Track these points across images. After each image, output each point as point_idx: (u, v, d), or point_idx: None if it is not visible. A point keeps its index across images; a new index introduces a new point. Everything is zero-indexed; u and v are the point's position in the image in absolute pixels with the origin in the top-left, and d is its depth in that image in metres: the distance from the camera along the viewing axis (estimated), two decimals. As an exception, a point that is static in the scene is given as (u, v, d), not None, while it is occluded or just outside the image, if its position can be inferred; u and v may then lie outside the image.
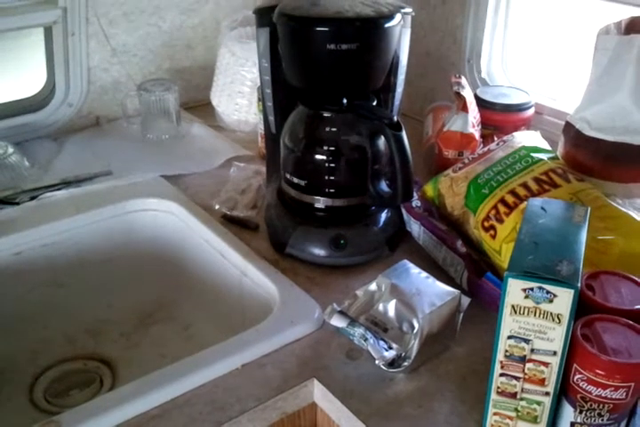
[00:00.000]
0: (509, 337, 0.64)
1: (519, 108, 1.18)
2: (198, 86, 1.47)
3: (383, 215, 1.00)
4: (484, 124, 1.17)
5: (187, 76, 1.44)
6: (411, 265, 0.86)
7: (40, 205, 1.11)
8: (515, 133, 1.02)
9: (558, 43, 1.28)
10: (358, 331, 0.78)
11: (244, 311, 0.99)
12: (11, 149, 1.20)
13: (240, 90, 1.34)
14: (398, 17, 0.91)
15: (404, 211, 1.01)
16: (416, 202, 1.02)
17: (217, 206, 1.11)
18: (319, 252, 0.97)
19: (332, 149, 0.95)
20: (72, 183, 1.17)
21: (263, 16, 0.97)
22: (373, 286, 0.84)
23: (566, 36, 1.26)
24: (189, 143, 1.34)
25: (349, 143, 0.96)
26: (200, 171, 1.23)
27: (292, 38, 0.91)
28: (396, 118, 0.91)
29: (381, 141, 0.94)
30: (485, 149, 1.00)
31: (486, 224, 0.90)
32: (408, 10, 0.95)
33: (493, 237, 0.88)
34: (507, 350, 0.65)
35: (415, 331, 0.78)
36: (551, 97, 1.26)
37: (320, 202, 0.98)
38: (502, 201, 0.89)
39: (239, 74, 1.33)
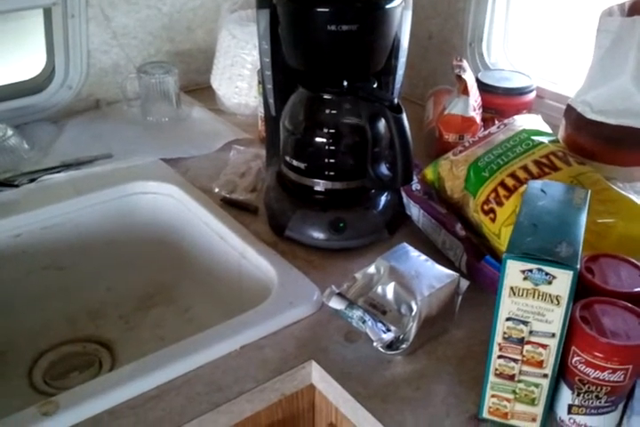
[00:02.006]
0: (508, 319, 0.64)
1: (520, 91, 1.17)
2: (198, 69, 1.46)
3: (383, 199, 1.00)
4: (485, 107, 1.16)
5: (186, 59, 1.44)
6: (410, 248, 0.86)
7: (39, 188, 1.11)
8: (515, 117, 1.02)
9: (560, 26, 1.28)
10: (357, 313, 0.78)
11: (243, 294, 0.99)
12: (10, 132, 1.20)
13: (240, 73, 1.33)
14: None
15: (403, 194, 1.00)
16: (416, 185, 1.01)
17: (216, 189, 1.10)
18: (318, 235, 0.96)
19: (332, 131, 0.94)
20: (72, 166, 1.17)
21: (262, -1, 0.96)
22: (372, 269, 0.84)
23: (568, 19, 1.25)
24: (189, 126, 1.34)
25: (349, 126, 0.95)
26: (200, 154, 1.23)
27: (293, 19, 0.91)
28: (396, 101, 0.90)
29: (382, 124, 0.94)
30: (486, 132, 1.00)
31: (486, 207, 0.89)
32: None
33: (493, 220, 0.88)
34: (505, 332, 0.65)
35: (413, 313, 0.78)
36: (552, 80, 1.25)
37: (319, 185, 0.97)
38: (502, 184, 0.88)
39: (239, 57, 1.32)
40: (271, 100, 1.04)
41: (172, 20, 1.37)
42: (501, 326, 0.65)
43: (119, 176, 1.14)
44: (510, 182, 0.88)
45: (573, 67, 1.25)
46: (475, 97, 1.10)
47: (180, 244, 1.12)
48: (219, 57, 1.36)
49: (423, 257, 0.85)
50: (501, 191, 0.88)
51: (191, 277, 1.12)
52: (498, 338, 0.66)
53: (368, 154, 0.95)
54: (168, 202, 1.12)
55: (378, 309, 0.80)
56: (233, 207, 1.07)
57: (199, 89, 1.47)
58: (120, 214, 1.12)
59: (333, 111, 0.94)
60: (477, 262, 0.87)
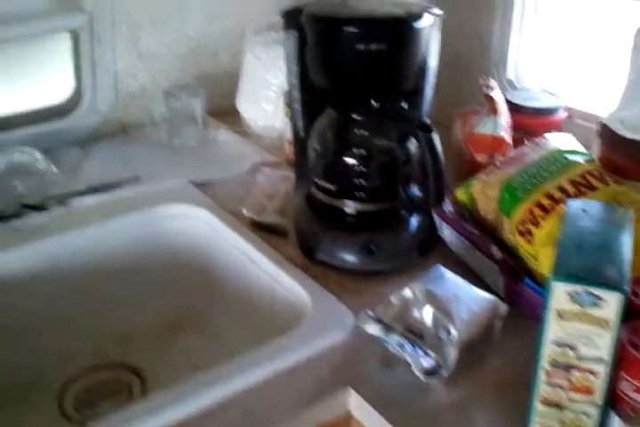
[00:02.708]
0: (554, 343, 0.62)
1: (550, 111, 1.16)
2: (223, 93, 1.46)
3: (414, 220, 0.98)
4: (514, 127, 1.15)
5: (212, 82, 1.43)
6: (445, 270, 0.85)
7: (68, 212, 1.11)
8: (547, 136, 1.00)
9: (587, 45, 1.26)
10: (394, 338, 0.76)
11: (275, 318, 0.98)
12: (38, 156, 1.19)
13: (266, 95, 1.33)
14: (428, 17, 0.89)
15: (435, 216, 0.99)
16: (448, 207, 1.00)
17: (245, 212, 1.09)
18: (350, 258, 0.95)
19: (362, 152, 0.93)
20: (100, 189, 1.17)
21: (290, 19, 0.96)
22: (407, 292, 0.82)
23: (595, 38, 1.24)
24: (216, 149, 1.34)
25: (379, 146, 0.94)
26: (227, 176, 1.22)
27: (321, 40, 0.91)
28: (427, 120, 0.89)
29: (412, 144, 0.93)
30: (518, 151, 0.98)
31: (522, 228, 0.88)
32: (437, 11, 0.94)
33: (530, 241, 0.86)
34: (551, 358, 0.63)
35: (453, 339, 0.76)
36: (581, 100, 1.23)
37: (350, 206, 0.96)
38: (538, 204, 0.87)
39: (265, 79, 1.32)
40: (299, 122, 1.03)
41: (198, 44, 1.37)
42: (547, 351, 0.63)
43: (147, 199, 1.13)
44: (546, 202, 0.86)
45: (601, 86, 1.23)
46: (504, 116, 1.09)
47: (210, 268, 1.11)
48: (244, 80, 1.36)
49: (460, 280, 0.83)
50: (537, 212, 0.86)
51: (222, 301, 1.11)
52: (544, 363, 0.64)
53: (399, 174, 0.94)
54: (197, 225, 1.11)
55: (415, 333, 0.78)
56: (262, 230, 1.06)
57: (225, 113, 1.46)
58: (149, 238, 1.12)
59: (363, 132, 0.93)
60: (516, 285, 0.85)
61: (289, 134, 1.23)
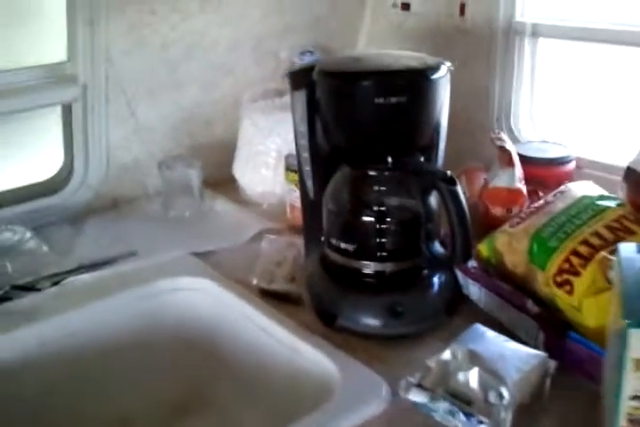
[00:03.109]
0: (633, 398, 0.55)
1: (561, 161, 1.13)
2: (218, 163, 1.41)
3: (438, 278, 0.92)
4: (526, 180, 1.11)
5: (206, 152, 1.39)
6: (485, 328, 0.78)
7: (62, 292, 1.03)
8: (569, 184, 0.97)
9: (588, 94, 1.25)
10: (442, 406, 0.69)
11: (297, 394, 0.89)
12: (28, 235, 1.13)
13: (265, 161, 1.29)
14: (444, 68, 0.87)
15: (459, 273, 0.93)
16: (471, 262, 0.94)
17: (254, 281, 1.03)
18: (375, 322, 0.88)
19: (381, 209, 0.88)
20: (94, 266, 1.10)
21: (298, 79, 0.93)
22: (447, 355, 0.75)
23: (595, 87, 1.23)
24: (214, 219, 1.28)
25: (399, 202, 0.90)
26: (230, 246, 1.16)
27: (338, 95, 0.87)
28: (449, 173, 0.85)
29: (433, 199, 0.88)
30: (541, 202, 0.94)
31: (559, 279, 0.82)
32: (448, 64, 0.92)
33: (570, 292, 0.80)
34: (630, 414, 0.56)
35: (506, 401, 0.68)
36: (588, 150, 1.21)
37: (370, 267, 0.90)
38: (575, 253, 0.81)
39: (263, 145, 1.28)
40: (309, 183, 0.99)
41: (192, 114, 1.34)
42: (625, 407, 0.56)
43: (145, 274, 1.06)
44: (584, 250, 0.81)
45: (606, 134, 1.22)
46: (519, 168, 1.05)
47: (218, 343, 1.03)
48: (241, 147, 1.32)
49: (502, 337, 0.77)
50: (575, 260, 0.81)
51: (232, 379, 1.02)
52: (621, 421, 0.57)
53: (421, 231, 0.89)
54: (201, 298, 1.04)
55: (461, 399, 0.71)
56: (273, 299, 0.99)
57: (220, 183, 1.42)
58: (149, 315, 1.04)
59: (381, 188, 0.89)
60: (559, 340, 0.79)
61: (291, 199, 1.19)
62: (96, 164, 1.25)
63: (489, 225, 1.02)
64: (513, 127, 1.30)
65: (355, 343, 0.88)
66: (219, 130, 1.40)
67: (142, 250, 1.14)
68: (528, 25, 1.23)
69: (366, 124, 0.87)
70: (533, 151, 1.15)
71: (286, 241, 1.15)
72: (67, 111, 1.20)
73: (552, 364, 0.74)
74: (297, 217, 1.16)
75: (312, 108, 0.91)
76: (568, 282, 0.80)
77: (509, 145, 1.06)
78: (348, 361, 0.83)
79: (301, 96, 0.92)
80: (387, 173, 0.89)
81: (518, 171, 1.05)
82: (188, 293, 1.05)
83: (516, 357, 0.73)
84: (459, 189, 0.84)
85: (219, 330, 1.03)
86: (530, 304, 0.84)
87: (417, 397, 0.70)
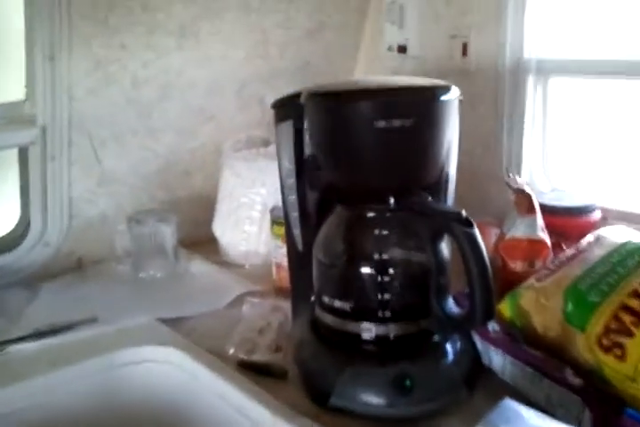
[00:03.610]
0: None
1: (585, 210, 0.99)
2: (196, 221, 1.27)
3: (453, 345, 0.76)
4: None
5: (183, 208, 1.25)
6: (518, 405, 0.61)
7: (7, 362, 0.87)
8: (602, 230, 0.82)
9: (604, 138, 1.13)
10: None
11: None
12: (-26, 299, 0.97)
13: (248, 215, 1.15)
14: (456, 91, 0.74)
15: (477, 338, 0.77)
16: (491, 325, 0.78)
17: (231, 351, 0.86)
18: (377, 400, 0.71)
19: (383, 258, 0.73)
20: (47, 333, 0.93)
21: (283, 108, 0.80)
22: (472, 441, 0.58)
23: (613, 130, 1.11)
24: (190, 282, 1.12)
25: (404, 250, 0.74)
26: (205, 311, 1.00)
27: (330, 120, 0.73)
28: (464, 212, 0.71)
29: (445, 247, 0.74)
30: (572, 250, 0.79)
31: (606, 342, 0.66)
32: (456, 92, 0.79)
33: (621, 357, 0.64)
34: None
35: None
36: (613, 198, 1.07)
37: (371, 331, 0.74)
38: (625, 308, 0.66)
39: (247, 197, 1.14)
40: (296, 232, 0.84)
41: (167, 162, 1.21)
42: None
43: (105, 343, 0.90)
44: (636, 304, 0.65)
45: (632, 181, 1.08)
46: (539, 216, 0.91)
47: (186, 424, 0.85)
48: (221, 200, 1.18)
49: (541, 417, 0.60)
50: (626, 317, 0.65)
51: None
52: None
53: (431, 286, 0.73)
54: (168, 371, 0.87)
55: None
56: (254, 373, 0.82)
57: (199, 242, 1.27)
58: (107, 391, 0.87)
59: (382, 232, 0.74)
60: (612, 419, 0.62)
61: (277, 257, 1.04)
62: (56, 218, 1.11)
63: (507, 283, 0.87)
64: (524, 177, 1.16)
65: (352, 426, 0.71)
66: (197, 182, 1.26)
67: (104, 316, 0.98)
68: (536, 62, 1.12)
69: (364, 155, 0.72)
70: (551, 200, 1.01)
71: (271, 305, 0.99)
72: (24, 156, 1.06)
73: (609, 452, 0.57)
74: (284, 278, 1.00)
75: (300, 140, 0.78)
76: (618, 345, 0.65)
77: (528, 189, 0.92)
78: (344, 450, 0.66)
79: (287, 127, 0.79)
80: (389, 215, 0.74)
81: (539, 219, 0.90)
82: (153, 365, 0.88)
83: (564, 443, 0.56)
84: (476, 232, 0.70)
85: (188, 410, 0.85)
86: (569, 374, 0.68)
87: None
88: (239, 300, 1.02)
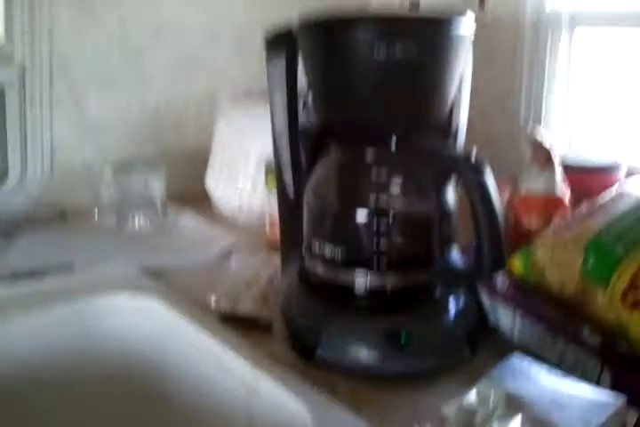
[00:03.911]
0: None
1: (609, 168, 0.90)
2: (189, 176, 1.19)
3: (457, 299, 0.68)
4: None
5: (175, 162, 1.17)
6: (527, 362, 0.54)
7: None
8: (627, 184, 0.74)
9: (626, 99, 1.04)
10: (471, 471, 0.44)
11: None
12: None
13: (242, 169, 1.07)
14: (469, 23, 0.66)
15: (484, 294, 0.69)
16: (501, 282, 0.71)
17: (214, 301, 0.79)
18: (368, 355, 0.64)
19: (381, 201, 0.65)
20: (22, 277, 0.86)
21: (274, 43, 0.72)
22: (472, 398, 0.51)
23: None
24: (177, 235, 1.05)
25: (406, 195, 0.67)
26: (192, 264, 0.93)
27: (326, 51, 0.65)
28: (474, 155, 0.63)
29: (451, 191, 0.66)
30: (598, 202, 0.71)
31: (631, 297, 0.58)
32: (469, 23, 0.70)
33: (649, 314, 0.56)
34: None
35: (568, 470, 0.44)
36: (635, 159, 0.98)
37: (365, 281, 0.67)
38: (654, 259, 0.58)
39: (242, 150, 1.06)
40: (288, 178, 0.76)
41: (157, 111, 1.13)
42: None
43: (80, 288, 0.83)
44: (668, 255, 0.57)
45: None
46: (559, 171, 0.83)
47: (161, 378, 0.78)
48: (216, 152, 1.11)
49: (556, 374, 0.52)
50: (656, 269, 0.57)
51: (178, 424, 0.77)
52: None
53: (434, 234, 0.66)
54: (145, 321, 0.80)
55: (496, 465, 0.46)
56: (238, 325, 0.75)
57: (190, 199, 1.19)
58: (80, 338, 0.80)
59: (382, 175, 0.66)
60: (634, 381, 0.54)
61: (271, 211, 0.96)
62: (37, 165, 1.04)
63: (519, 239, 0.79)
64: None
65: (339, 383, 0.64)
66: (190, 135, 1.18)
67: (82, 263, 0.91)
68: (561, 14, 1.03)
69: (362, 90, 0.64)
70: (573, 159, 0.93)
71: (261, 259, 0.92)
72: (1, 99, 0.99)
73: (631, 415, 0.49)
74: (277, 233, 0.93)
75: (293, 77, 0.70)
76: (646, 300, 0.57)
77: (548, 140, 0.83)
78: (327, 406, 0.59)
79: (279, 63, 0.71)
80: (390, 156, 0.66)
81: (559, 173, 0.82)
82: (129, 314, 0.81)
83: (579, 404, 0.48)
84: (488, 176, 0.62)
85: (164, 362, 0.78)
86: (587, 333, 0.60)
87: (430, 458, 0.46)
88: (228, 255, 0.95)
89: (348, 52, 0.63)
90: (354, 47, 0.63)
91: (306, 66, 0.69)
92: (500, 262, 0.63)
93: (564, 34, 1.05)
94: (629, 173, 0.93)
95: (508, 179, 0.96)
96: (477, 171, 0.62)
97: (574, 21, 1.04)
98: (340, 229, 0.68)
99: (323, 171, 0.70)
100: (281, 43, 0.71)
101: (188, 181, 1.18)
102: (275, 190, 0.92)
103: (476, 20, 0.90)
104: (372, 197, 0.66)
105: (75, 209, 1.09)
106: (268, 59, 0.74)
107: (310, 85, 0.70)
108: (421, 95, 0.66)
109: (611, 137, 1.05)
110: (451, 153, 0.66)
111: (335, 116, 0.70)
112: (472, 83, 1.05)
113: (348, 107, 0.68)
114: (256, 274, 0.86)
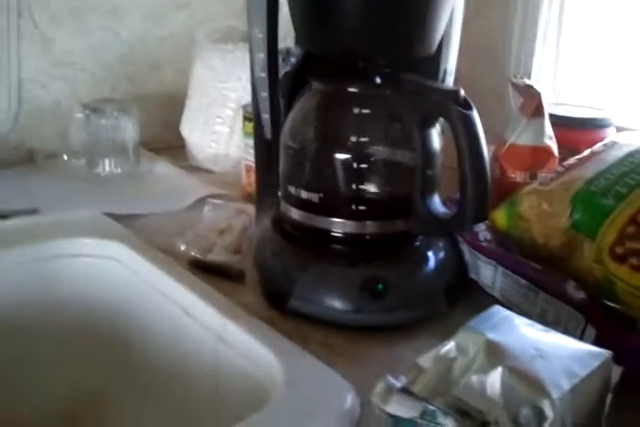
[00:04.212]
0: None
1: (599, 123, 0.87)
2: (164, 122, 1.14)
3: (436, 251, 0.66)
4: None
5: (150, 105, 1.12)
6: (509, 312, 0.51)
7: None
8: (618, 135, 0.72)
9: (617, 56, 1.01)
10: (447, 423, 0.41)
11: (226, 400, 0.62)
12: None
13: (220, 114, 1.02)
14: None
15: (465, 248, 0.67)
16: (483, 234, 0.68)
17: (182, 247, 0.76)
18: (343, 304, 0.61)
19: (362, 141, 0.62)
20: (-23, 220, 0.82)
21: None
22: (451, 348, 0.48)
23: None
24: (150, 183, 1.01)
25: (388, 134, 0.63)
26: (162, 211, 0.89)
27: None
28: (462, 92, 0.59)
29: (435, 134, 0.63)
30: (587, 152, 0.68)
31: (619, 251, 0.56)
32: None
33: (638, 268, 0.54)
34: None
35: (548, 423, 0.41)
36: (630, 117, 0.95)
37: (342, 226, 0.64)
38: (647, 210, 0.55)
39: (219, 93, 1.02)
40: (266, 116, 0.72)
41: (132, 50, 1.07)
42: None
43: (42, 232, 0.79)
44: (661, 206, 0.55)
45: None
46: (548, 122, 0.80)
47: (126, 328, 0.75)
48: (191, 96, 1.06)
49: (539, 326, 0.49)
50: (647, 221, 0.55)
51: (140, 379, 0.74)
52: None
53: (417, 179, 0.62)
54: (110, 268, 0.76)
55: (472, 416, 0.43)
56: (208, 273, 0.72)
57: (166, 147, 1.14)
58: (39, 286, 0.76)
59: (362, 111, 0.62)
60: (619, 337, 0.52)
61: (248, 158, 0.93)
62: (2, 103, 0.98)
63: (505, 193, 0.76)
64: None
65: (312, 334, 0.61)
66: (167, 77, 1.13)
67: (47, 207, 0.87)
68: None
69: (347, 13, 0.60)
70: (563, 112, 0.89)
71: (236, 208, 0.88)
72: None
73: (616, 370, 0.47)
74: (254, 182, 0.89)
75: (274, 4, 0.66)
76: (636, 252, 0.54)
77: (537, 90, 0.80)
78: (298, 356, 0.56)
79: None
80: (371, 91, 0.62)
81: (547, 124, 0.79)
82: (93, 261, 0.77)
83: (564, 354, 0.46)
84: (475, 115, 0.59)
85: (129, 311, 0.75)
86: (571, 288, 0.58)
87: (401, 409, 0.43)
88: (201, 203, 0.91)
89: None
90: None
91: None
92: (483, 210, 0.60)
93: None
94: (619, 130, 0.90)
95: (494, 136, 0.93)
96: (466, 106, 0.58)
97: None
98: (318, 173, 0.64)
99: (301, 110, 0.66)
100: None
101: (163, 129, 1.13)
102: (251, 138, 0.88)
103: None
104: (352, 136, 0.62)
105: (43, 151, 1.05)
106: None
107: (293, 14, 0.65)
108: (409, 22, 0.61)
109: (601, 93, 1.02)
110: (437, 88, 0.62)
111: (317, 45, 0.65)
112: (461, 33, 1.01)
113: (330, 33, 0.63)
114: (229, 223, 0.83)
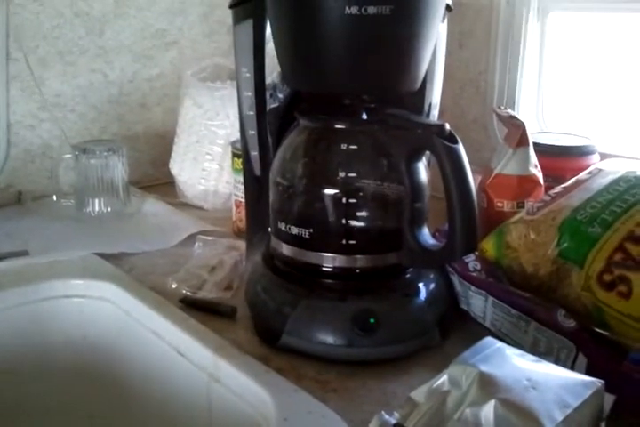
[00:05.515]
0: None
1: (584, 151, 0.88)
2: (154, 160, 1.16)
3: (427, 283, 0.66)
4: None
5: (140, 145, 1.13)
6: (501, 344, 0.51)
7: None
8: (602, 163, 0.72)
9: (599, 83, 1.02)
10: (441, 459, 0.41)
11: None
12: None
13: (209, 151, 1.03)
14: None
15: (455, 279, 0.67)
16: (473, 264, 0.68)
17: (174, 285, 0.76)
18: (335, 339, 0.61)
19: (350, 177, 0.62)
20: (-31, 264, 0.82)
21: (243, 7, 0.68)
22: (444, 382, 0.48)
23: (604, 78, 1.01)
24: (139, 221, 1.01)
25: (376, 169, 0.64)
26: (152, 249, 0.89)
27: (294, 9, 0.61)
28: (447, 126, 0.60)
29: (422, 167, 0.63)
30: (572, 180, 0.69)
31: (607, 278, 0.56)
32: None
33: (626, 295, 0.54)
34: None
35: (544, 456, 0.41)
36: (613, 144, 0.97)
37: (333, 261, 0.64)
38: (632, 238, 0.56)
39: (208, 130, 1.03)
40: (254, 153, 0.73)
41: (121, 91, 1.08)
42: None
43: (33, 274, 0.79)
44: (646, 234, 0.55)
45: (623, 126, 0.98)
46: (533, 151, 0.81)
47: (119, 368, 0.75)
48: (180, 133, 1.07)
49: (530, 356, 0.49)
50: (634, 248, 0.55)
51: (133, 419, 0.73)
52: None
53: (405, 212, 0.63)
54: (101, 308, 0.76)
55: (467, 451, 0.43)
56: (199, 310, 0.72)
57: (155, 186, 1.15)
58: (31, 328, 0.76)
59: (350, 147, 0.63)
60: (611, 365, 0.52)
61: (238, 195, 0.93)
62: (-8, 144, 0.99)
63: (493, 222, 0.76)
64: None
65: (305, 369, 0.61)
66: (156, 117, 1.14)
67: (37, 249, 0.87)
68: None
69: (333, 51, 0.61)
70: (547, 140, 0.90)
71: (226, 244, 0.89)
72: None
73: (608, 399, 0.47)
74: (244, 218, 0.89)
75: (261, 42, 0.67)
76: (624, 280, 0.55)
77: (521, 120, 0.81)
78: (290, 392, 0.55)
79: (247, 28, 0.67)
80: (358, 127, 0.63)
81: (532, 154, 0.80)
82: (84, 301, 0.77)
83: (556, 384, 0.46)
84: (461, 148, 0.59)
85: (122, 351, 0.75)
86: (561, 316, 0.58)
87: (397, 445, 0.43)
88: (192, 240, 0.91)
89: (317, 9, 0.59)
90: (322, 4, 0.59)
91: (274, 30, 0.65)
92: (472, 242, 0.60)
93: (538, 15, 1.03)
94: (603, 157, 0.91)
95: (481, 166, 0.94)
96: (451, 140, 0.59)
97: (547, 4, 1.01)
98: (308, 209, 0.65)
99: (289, 147, 0.67)
100: (248, 7, 0.67)
101: (153, 165, 1.14)
102: (241, 175, 0.89)
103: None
104: (340, 172, 0.63)
105: (32, 192, 1.05)
106: (235, 22, 0.70)
107: (279, 52, 0.66)
108: (393, 58, 0.62)
109: (584, 121, 1.03)
110: (423, 123, 0.63)
111: (303, 83, 0.66)
112: (445, 66, 1.03)
113: (316, 72, 0.64)
114: (220, 259, 0.83)
